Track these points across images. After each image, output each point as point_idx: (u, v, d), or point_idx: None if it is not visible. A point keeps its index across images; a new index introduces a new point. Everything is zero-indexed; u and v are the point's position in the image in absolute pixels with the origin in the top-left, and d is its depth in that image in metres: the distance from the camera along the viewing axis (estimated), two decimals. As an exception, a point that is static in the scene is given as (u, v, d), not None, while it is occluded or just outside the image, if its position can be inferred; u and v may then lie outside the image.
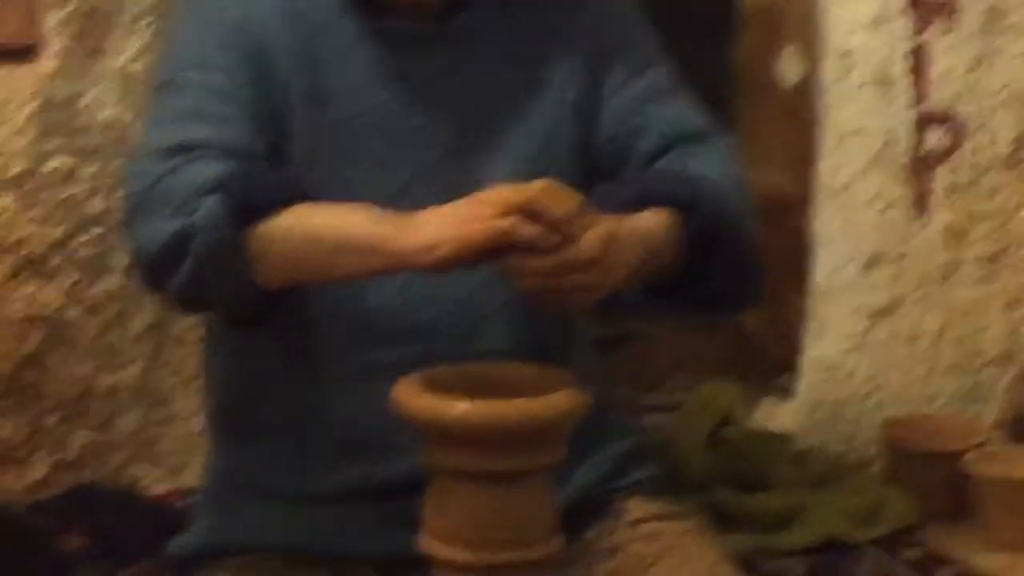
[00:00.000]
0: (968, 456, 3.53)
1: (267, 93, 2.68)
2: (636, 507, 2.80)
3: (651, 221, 2.59)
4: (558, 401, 2.41)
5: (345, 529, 2.71)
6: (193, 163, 2.54)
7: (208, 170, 2.52)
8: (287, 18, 2.72)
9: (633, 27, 2.91)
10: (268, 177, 2.54)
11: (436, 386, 2.43)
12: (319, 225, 2.51)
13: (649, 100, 2.82)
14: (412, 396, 2.40)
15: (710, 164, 2.78)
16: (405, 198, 2.63)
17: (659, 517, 2.79)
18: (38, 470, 3.51)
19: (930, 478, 3.60)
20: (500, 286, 2.62)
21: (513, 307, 2.71)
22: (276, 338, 2.67)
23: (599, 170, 2.79)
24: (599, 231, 2.39)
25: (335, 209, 2.51)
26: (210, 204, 2.47)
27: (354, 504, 2.71)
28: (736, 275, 2.71)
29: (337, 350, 2.65)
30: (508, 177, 2.66)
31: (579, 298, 2.43)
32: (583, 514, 2.74)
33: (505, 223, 2.34)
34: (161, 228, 2.51)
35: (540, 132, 2.78)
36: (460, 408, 2.37)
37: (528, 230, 2.33)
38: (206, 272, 2.51)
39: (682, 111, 2.85)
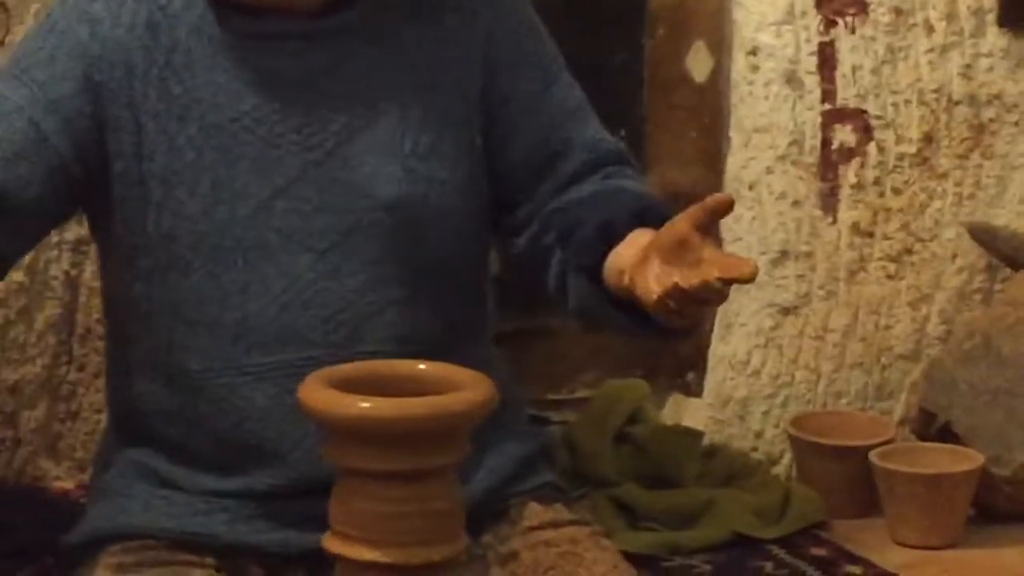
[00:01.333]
0: (875, 452, 3.55)
1: (90, 119, 2.67)
2: (533, 513, 2.79)
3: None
4: (464, 398, 2.41)
5: (234, 523, 2.70)
6: None
7: None
8: (145, 27, 2.70)
9: (534, 40, 2.88)
10: None
11: (341, 384, 2.46)
12: None
13: (564, 122, 2.81)
14: (314, 393, 2.42)
15: (641, 184, 2.81)
16: (283, 199, 2.65)
17: (555, 524, 2.79)
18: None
19: (837, 475, 3.62)
20: (378, 290, 2.67)
21: (392, 309, 2.71)
22: (157, 348, 2.67)
23: (508, 186, 2.80)
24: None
25: None
26: None
27: (243, 502, 2.71)
28: None
29: (218, 357, 2.64)
30: (390, 178, 2.69)
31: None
32: (479, 518, 2.71)
33: None
34: None
35: (426, 135, 2.77)
36: (363, 405, 2.39)
37: None
38: None
39: (597, 132, 2.84)
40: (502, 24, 2.82)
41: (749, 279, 2.30)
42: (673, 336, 2.60)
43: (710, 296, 2.35)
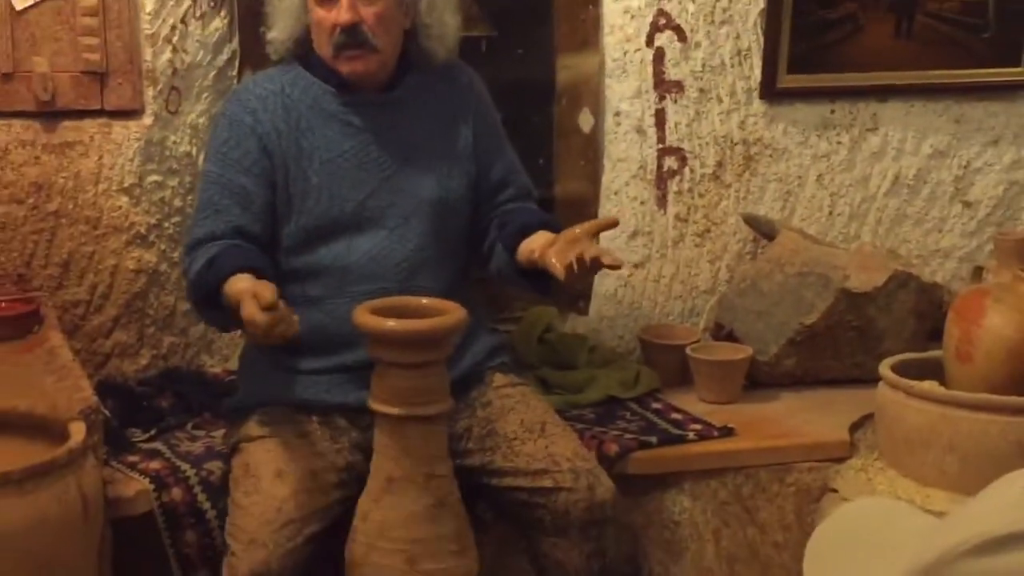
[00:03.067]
0: (689, 348, 3.55)
1: (268, 167, 2.81)
2: (498, 379, 2.97)
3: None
4: (447, 320, 2.60)
5: (326, 389, 2.84)
6: (199, 255, 2.74)
7: (201, 260, 2.73)
8: (281, 110, 2.84)
9: (494, 116, 3.06)
10: (224, 260, 2.70)
11: (377, 310, 2.64)
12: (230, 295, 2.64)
13: (507, 170, 3.00)
14: (363, 316, 2.60)
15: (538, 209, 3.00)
16: (370, 199, 2.84)
17: (512, 384, 2.97)
18: (144, 359, 3.50)
19: (667, 361, 3.62)
20: (424, 249, 2.84)
21: (431, 262, 2.87)
22: (296, 283, 2.80)
23: (479, 200, 2.98)
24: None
25: (231, 283, 2.64)
26: (195, 277, 2.75)
27: (331, 374, 2.85)
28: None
29: (331, 287, 2.79)
30: (429, 192, 2.88)
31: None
32: (468, 383, 2.89)
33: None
34: (188, 294, 2.82)
35: (447, 166, 2.94)
36: (389, 324, 2.58)
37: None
38: (211, 317, 2.77)
39: (522, 179, 3.03)
40: (479, 105, 3.00)
41: (618, 266, 2.56)
42: (545, 293, 2.88)
43: (595, 269, 2.59)
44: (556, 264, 2.69)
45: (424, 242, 2.89)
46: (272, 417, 2.86)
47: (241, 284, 2.62)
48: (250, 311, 2.46)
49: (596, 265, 2.67)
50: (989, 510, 1.43)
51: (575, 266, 2.66)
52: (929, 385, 3.01)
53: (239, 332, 3.05)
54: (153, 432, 3.18)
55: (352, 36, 2.81)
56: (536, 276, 2.84)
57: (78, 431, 2.50)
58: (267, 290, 2.46)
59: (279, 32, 2.94)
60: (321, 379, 2.87)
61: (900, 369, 3.11)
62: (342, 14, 2.80)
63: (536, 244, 2.83)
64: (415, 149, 2.92)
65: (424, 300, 2.70)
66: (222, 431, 3.08)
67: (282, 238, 2.85)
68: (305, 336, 2.72)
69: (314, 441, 2.82)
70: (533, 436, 2.85)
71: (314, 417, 2.86)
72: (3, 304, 3.20)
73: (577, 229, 2.74)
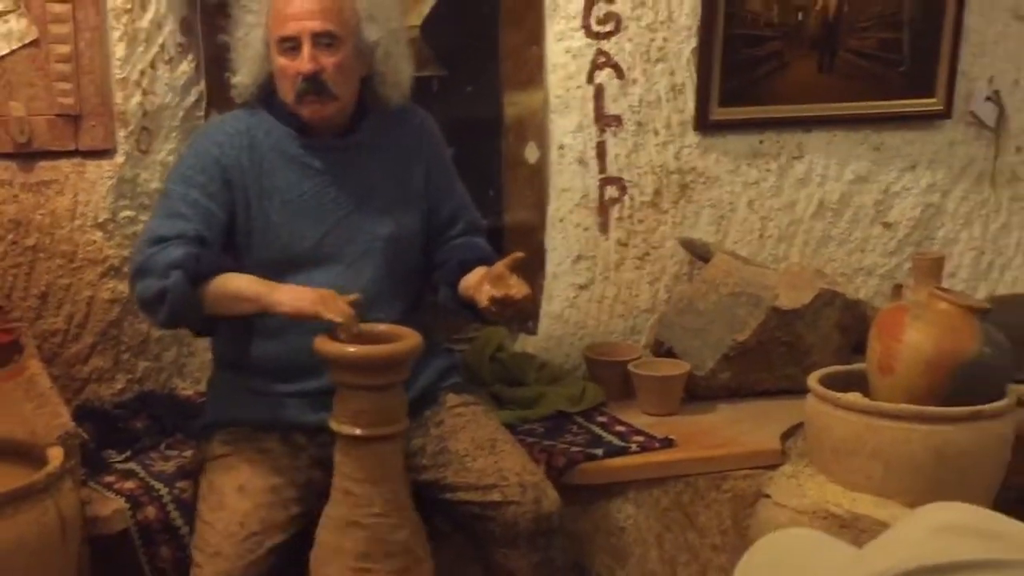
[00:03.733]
0: (631, 364, 3.55)
1: (229, 198, 2.78)
2: (451, 398, 2.95)
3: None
4: (403, 345, 2.59)
5: (286, 410, 2.82)
6: (168, 248, 2.68)
7: (176, 252, 2.66)
8: (246, 148, 2.82)
9: (445, 150, 3.05)
10: (209, 258, 2.68)
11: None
12: (229, 287, 2.67)
13: (460, 207, 2.99)
14: (324, 343, 2.58)
15: (485, 244, 2.99)
16: (327, 237, 2.81)
17: (464, 404, 2.95)
18: (119, 383, 3.47)
19: (611, 376, 3.61)
20: (377, 284, 2.81)
21: (385, 295, 2.84)
22: (256, 315, 2.76)
23: (430, 235, 2.96)
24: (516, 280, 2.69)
25: (238, 277, 2.67)
26: (176, 275, 2.64)
27: (290, 398, 2.83)
28: None
29: (289, 319, 2.70)
30: (384, 230, 2.85)
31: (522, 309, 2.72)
32: (422, 403, 2.87)
33: (309, 308, 2.58)
34: (150, 286, 2.67)
35: (401, 205, 2.91)
36: (349, 350, 2.56)
37: (329, 315, 2.57)
38: (176, 311, 2.68)
39: (471, 214, 3.02)
40: (431, 145, 2.97)
41: (526, 296, 2.60)
42: (485, 321, 2.94)
43: (511, 304, 2.59)
44: (482, 300, 2.74)
45: (378, 275, 2.88)
46: (235, 436, 2.85)
47: (243, 281, 2.69)
48: (340, 306, 2.57)
49: (509, 300, 2.71)
50: (900, 545, 1.43)
51: (494, 303, 2.72)
52: (854, 397, 3.03)
53: (184, 325, 2.94)
54: (128, 453, 3.15)
55: (313, 84, 2.79)
56: (475, 308, 2.85)
57: (56, 456, 2.49)
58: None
59: (244, 77, 2.91)
60: (281, 401, 2.86)
61: (827, 381, 3.13)
62: (304, 64, 2.78)
63: (471, 281, 2.85)
64: (371, 190, 2.91)
65: (382, 327, 2.69)
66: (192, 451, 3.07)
67: (242, 270, 2.83)
68: (266, 364, 2.75)
69: (275, 458, 2.81)
70: (483, 452, 2.84)
71: (275, 435, 2.84)
72: (-17, 334, 3.16)
73: (499, 266, 2.76)
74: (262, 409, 2.86)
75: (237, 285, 2.70)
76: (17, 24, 3.27)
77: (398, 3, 3.08)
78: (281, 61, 2.82)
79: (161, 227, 2.78)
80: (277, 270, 2.79)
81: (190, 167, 2.85)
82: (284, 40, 2.79)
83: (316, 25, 2.78)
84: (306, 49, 2.78)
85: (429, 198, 3.00)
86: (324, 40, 2.79)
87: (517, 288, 2.70)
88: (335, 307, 2.59)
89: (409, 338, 2.61)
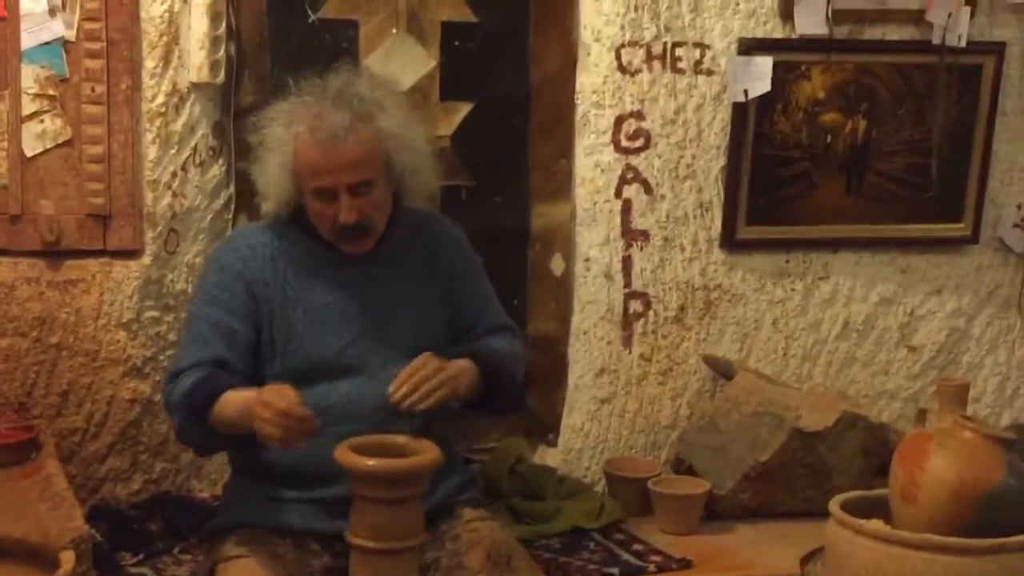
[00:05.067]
0: (650, 481, 3.53)
1: (253, 310, 2.80)
2: (467, 513, 2.92)
3: (470, 369, 2.79)
4: (422, 460, 2.58)
5: (300, 516, 2.80)
6: (181, 381, 2.73)
7: (184, 384, 2.72)
8: (269, 260, 2.83)
9: (470, 255, 3.04)
10: (215, 380, 2.72)
11: (357, 448, 2.61)
12: (223, 414, 2.70)
13: (481, 309, 2.97)
14: (343, 454, 2.57)
15: (504, 343, 2.94)
16: (350, 347, 2.81)
17: (480, 519, 2.91)
18: (136, 484, 3.47)
19: (630, 492, 3.59)
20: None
21: (407, 413, 2.80)
22: None
23: (452, 339, 2.93)
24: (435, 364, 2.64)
25: (230, 399, 2.69)
26: (178, 416, 2.77)
27: (306, 504, 2.81)
28: (505, 398, 2.90)
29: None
30: (407, 340, 2.84)
31: (435, 398, 2.63)
32: (438, 516, 2.83)
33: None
34: (174, 423, 2.81)
35: (424, 315, 2.91)
36: (368, 463, 2.55)
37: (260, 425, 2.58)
38: (200, 445, 2.83)
39: (494, 314, 3.00)
40: (456, 253, 2.97)
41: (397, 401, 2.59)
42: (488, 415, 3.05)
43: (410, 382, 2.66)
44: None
45: None
46: (248, 538, 2.82)
47: (247, 393, 2.66)
48: (287, 403, 2.53)
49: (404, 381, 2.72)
50: None
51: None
52: (876, 524, 2.98)
53: (215, 451, 3.08)
54: (142, 556, 3.15)
55: (354, 230, 2.82)
56: (470, 406, 2.89)
57: (68, 560, 2.46)
58: (291, 390, 2.56)
59: (272, 206, 2.91)
60: (297, 507, 2.84)
61: (849, 507, 3.07)
62: (347, 215, 2.78)
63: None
64: (395, 300, 2.91)
65: (401, 439, 2.67)
66: (206, 555, 3.04)
67: (265, 379, 2.82)
68: (282, 470, 2.74)
69: (288, 563, 2.78)
70: (498, 569, 2.80)
71: (288, 540, 2.82)
72: (3, 431, 3.16)
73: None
74: (276, 514, 2.84)
75: (230, 411, 2.71)
76: (52, 124, 3.30)
77: (420, 121, 3.09)
78: (317, 205, 2.83)
79: (182, 358, 2.84)
80: (301, 379, 2.78)
81: (214, 284, 2.88)
82: (319, 191, 2.80)
83: (351, 177, 2.78)
84: (344, 200, 2.78)
85: (452, 305, 2.99)
86: (361, 189, 2.80)
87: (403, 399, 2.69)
88: (271, 411, 2.57)
89: (428, 452, 2.60)
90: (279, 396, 2.58)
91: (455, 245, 3.05)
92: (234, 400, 2.69)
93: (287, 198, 2.87)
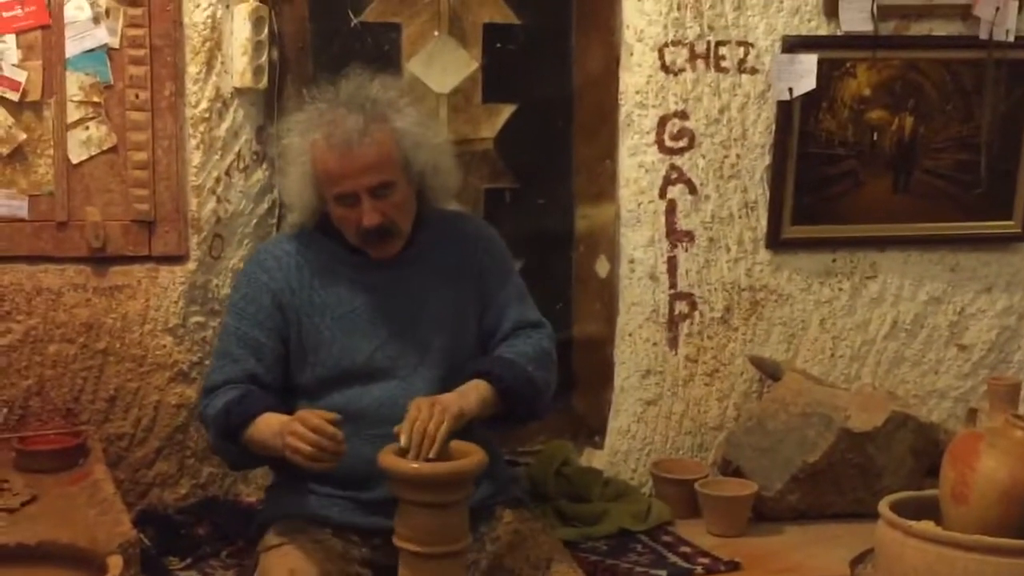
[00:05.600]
0: (698, 483, 3.54)
1: (280, 322, 2.81)
2: (508, 514, 2.91)
3: (477, 388, 2.76)
4: (466, 463, 2.57)
5: (340, 511, 2.81)
6: (216, 398, 2.76)
7: (218, 403, 2.75)
8: (295, 269, 2.84)
9: (500, 253, 3.01)
10: (250, 400, 2.75)
11: (401, 451, 2.61)
12: (256, 438, 2.73)
13: (507, 306, 2.93)
14: (387, 458, 2.57)
15: (529, 344, 2.90)
16: (379, 351, 2.81)
17: (521, 520, 2.90)
18: (183, 488, 3.47)
19: (678, 494, 3.59)
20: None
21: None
22: None
23: (483, 344, 2.91)
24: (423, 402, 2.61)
25: (264, 424, 2.71)
26: (212, 435, 2.82)
27: (349, 501, 2.83)
28: (528, 410, 2.86)
29: (346, 431, 2.68)
30: (438, 341, 2.84)
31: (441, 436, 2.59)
32: (479, 517, 2.81)
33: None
34: (209, 438, 2.86)
35: (455, 315, 2.90)
36: (413, 466, 2.55)
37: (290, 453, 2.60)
38: (234, 463, 2.88)
39: (523, 311, 2.96)
40: (485, 251, 2.95)
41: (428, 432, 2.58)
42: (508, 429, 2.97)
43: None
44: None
45: (434, 388, 2.83)
46: (289, 527, 2.84)
47: (283, 417, 2.68)
48: (320, 420, 2.55)
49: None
50: None
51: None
52: (926, 525, 2.95)
53: (249, 468, 3.16)
54: (189, 560, 3.17)
55: (379, 232, 2.82)
56: (497, 419, 2.87)
57: (116, 565, 2.46)
58: (326, 413, 2.59)
59: (297, 216, 2.94)
60: (337, 502, 2.85)
61: (899, 508, 3.04)
62: (370, 217, 2.79)
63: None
64: (424, 302, 2.90)
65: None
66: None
67: (298, 386, 2.83)
68: (322, 472, 2.71)
69: (328, 548, 2.79)
70: (539, 572, 2.80)
71: (328, 530, 2.83)
72: (52, 437, 3.20)
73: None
74: (316, 507, 2.85)
75: (265, 433, 2.73)
76: (97, 131, 3.32)
77: (434, 117, 3.11)
78: (340, 211, 2.83)
79: (215, 373, 2.87)
80: (332, 386, 2.81)
81: (242, 297, 2.90)
82: (341, 197, 2.81)
83: (371, 180, 2.78)
84: (366, 203, 2.79)
85: (482, 303, 2.97)
86: (381, 191, 2.79)
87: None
88: (300, 436, 2.58)
89: (474, 455, 2.59)
90: (313, 414, 2.61)
91: (484, 244, 3.02)
92: (269, 422, 2.71)
93: (312, 207, 2.87)
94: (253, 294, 2.87)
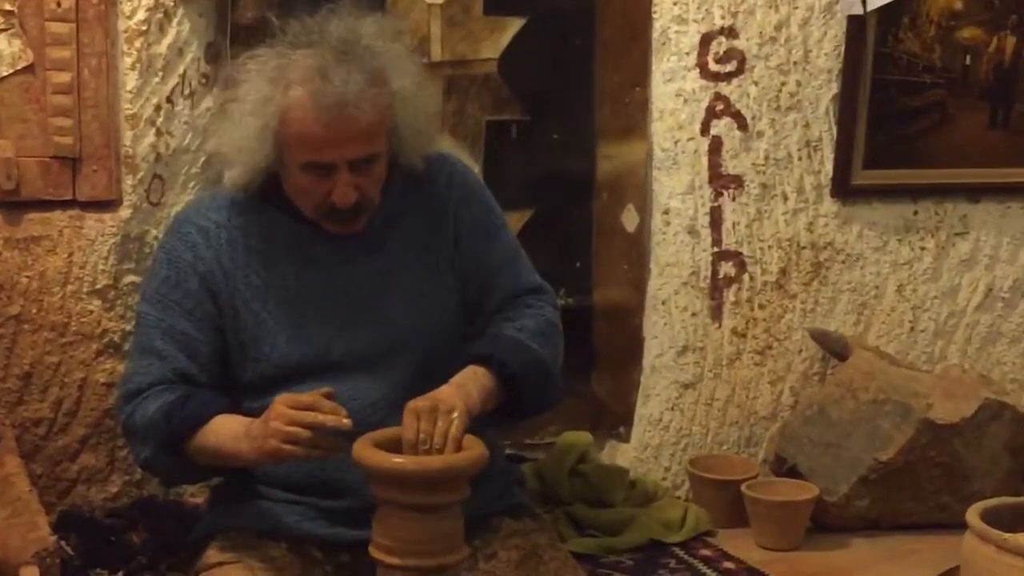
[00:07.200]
0: (745, 484, 3.56)
1: (212, 310, 2.78)
2: (508, 525, 2.87)
3: (477, 376, 2.72)
4: (463, 457, 2.52)
5: (298, 520, 2.78)
6: (144, 403, 2.72)
7: (151, 409, 2.70)
8: (226, 245, 2.80)
9: (481, 204, 2.94)
10: (191, 405, 2.70)
11: (381, 443, 2.59)
12: (207, 445, 2.68)
13: (497, 271, 2.88)
14: (364, 450, 2.54)
15: (530, 317, 2.87)
16: (335, 344, 2.78)
17: (524, 533, 2.86)
18: (114, 486, 3.45)
19: (720, 499, 3.62)
20: (414, 391, 2.70)
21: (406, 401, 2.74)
22: None
23: (471, 320, 2.89)
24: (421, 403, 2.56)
25: (217, 428, 2.67)
26: (149, 450, 2.75)
27: (309, 508, 2.79)
28: (538, 399, 2.82)
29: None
30: (407, 321, 2.80)
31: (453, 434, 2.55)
32: (472, 527, 2.71)
33: (270, 449, 2.54)
34: (139, 452, 2.78)
35: (428, 288, 2.84)
36: (395, 460, 2.54)
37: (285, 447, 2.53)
38: (173, 479, 2.92)
39: (518, 275, 2.92)
40: (461, 206, 2.88)
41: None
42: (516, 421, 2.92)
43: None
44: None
45: (409, 378, 2.78)
46: (234, 542, 2.80)
47: (238, 419, 2.68)
48: (312, 397, 2.52)
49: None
50: None
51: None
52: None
53: (187, 483, 3.24)
54: (121, 574, 3.16)
55: (351, 210, 2.76)
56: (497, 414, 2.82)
57: (31, 577, 2.48)
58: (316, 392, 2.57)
59: (239, 176, 2.80)
60: (295, 508, 2.81)
61: (991, 516, 3.07)
62: (344, 194, 2.71)
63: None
64: (390, 275, 2.84)
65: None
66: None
67: (240, 386, 2.80)
68: (276, 476, 2.76)
69: (281, 567, 2.75)
70: (544, 599, 2.79)
71: (283, 544, 2.80)
72: (-49, 423, 3.19)
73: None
74: (270, 515, 2.81)
75: (217, 442, 2.69)
76: (9, 46, 3.29)
77: (414, 52, 2.98)
78: (304, 180, 2.75)
79: (136, 374, 2.80)
80: (281, 384, 2.72)
81: (163, 281, 2.83)
82: (312, 165, 2.73)
83: (357, 151, 2.71)
84: (343, 177, 2.72)
85: (462, 271, 2.91)
86: (364, 164, 2.74)
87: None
88: (292, 419, 2.53)
89: (472, 448, 2.55)
90: (298, 394, 2.57)
91: (460, 198, 2.93)
92: (227, 424, 2.67)
93: (261, 167, 2.78)
94: (176, 277, 2.80)
